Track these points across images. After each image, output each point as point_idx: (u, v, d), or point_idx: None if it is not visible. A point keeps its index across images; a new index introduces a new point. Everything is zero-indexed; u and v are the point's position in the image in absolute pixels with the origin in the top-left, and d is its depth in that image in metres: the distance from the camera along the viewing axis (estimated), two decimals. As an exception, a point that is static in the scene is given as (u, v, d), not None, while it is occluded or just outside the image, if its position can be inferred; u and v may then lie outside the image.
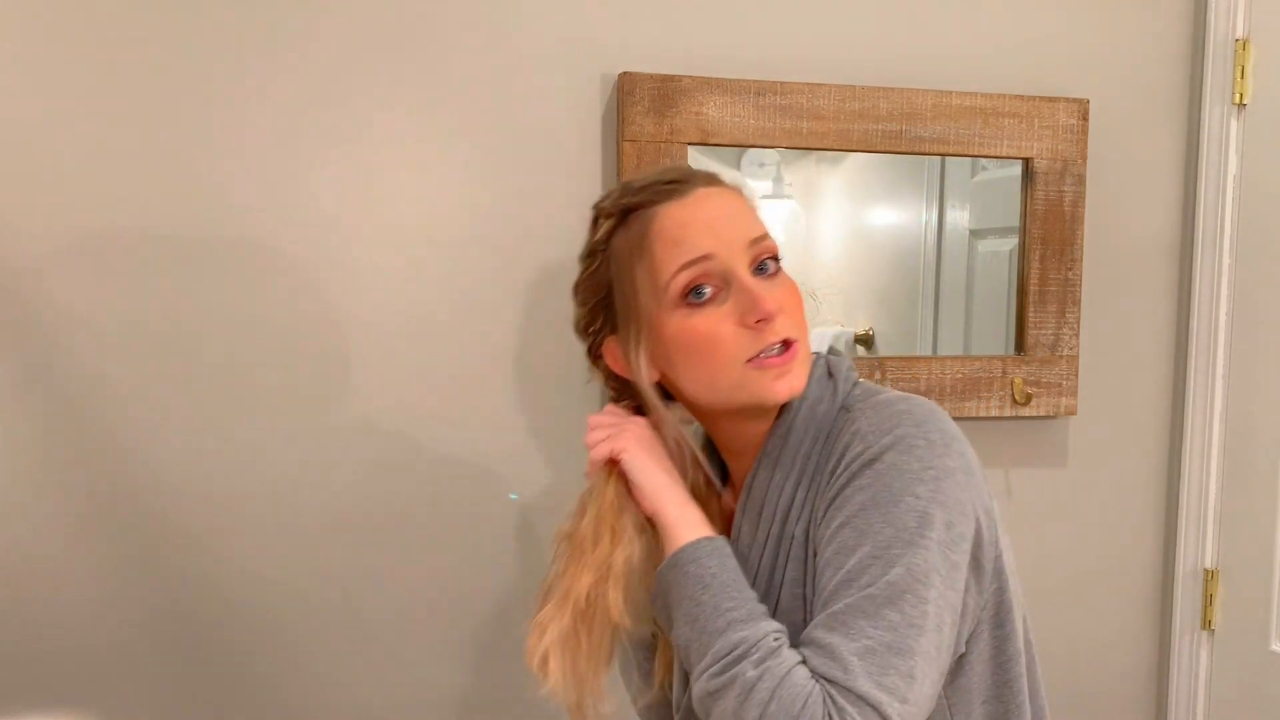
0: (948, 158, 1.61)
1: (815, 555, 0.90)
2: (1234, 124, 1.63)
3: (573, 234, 1.44)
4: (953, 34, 1.57)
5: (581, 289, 1.03)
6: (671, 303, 0.94)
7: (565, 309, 1.44)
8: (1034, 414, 1.61)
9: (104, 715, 1.34)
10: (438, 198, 1.41)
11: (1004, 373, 1.59)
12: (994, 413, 1.59)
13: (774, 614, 0.93)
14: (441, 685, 1.46)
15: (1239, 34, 1.62)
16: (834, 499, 0.89)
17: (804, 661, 0.83)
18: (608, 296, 1.00)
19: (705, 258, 0.93)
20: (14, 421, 1.29)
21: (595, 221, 1.02)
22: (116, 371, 1.31)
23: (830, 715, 0.79)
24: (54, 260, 1.29)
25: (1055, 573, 1.69)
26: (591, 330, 1.03)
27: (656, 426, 1.01)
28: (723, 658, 0.85)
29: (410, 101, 1.38)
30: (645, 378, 0.97)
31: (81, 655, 1.34)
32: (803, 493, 0.94)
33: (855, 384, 0.99)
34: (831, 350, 1.03)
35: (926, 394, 1.54)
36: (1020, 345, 1.62)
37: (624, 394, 1.04)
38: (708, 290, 0.93)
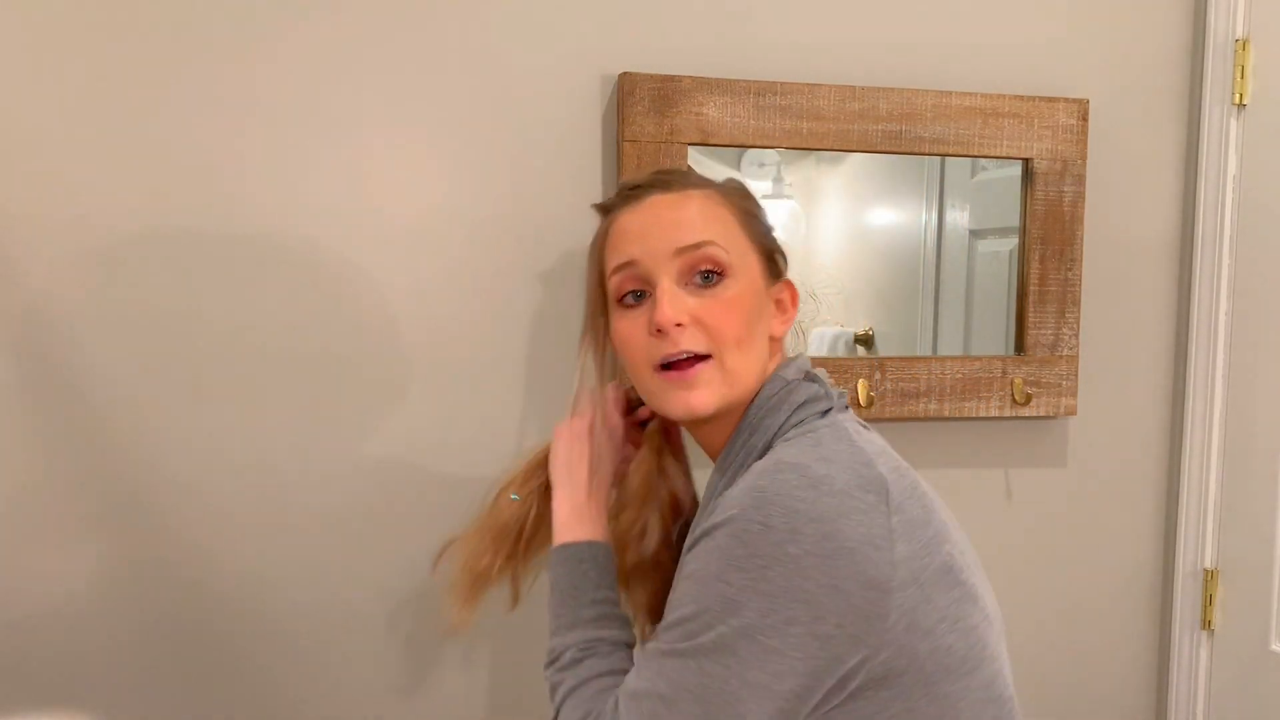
0: (947, 158, 1.60)
1: None
2: (1234, 124, 1.63)
3: (573, 234, 1.44)
4: (953, 34, 1.57)
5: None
6: (613, 304, 1.01)
7: (565, 308, 1.45)
8: (1034, 414, 1.61)
9: (104, 715, 1.34)
10: (437, 197, 1.41)
11: (1004, 373, 1.59)
12: (994, 413, 1.59)
13: None
14: (442, 685, 1.46)
15: (1239, 34, 1.62)
16: (689, 549, 0.91)
17: (613, 672, 0.95)
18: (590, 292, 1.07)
19: (629, 264, 0.98)
20: (13, 421, 1.29)
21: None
22: (115, 370, 1.31)
23: None
24: (51, 258, 1.29)
25: (1055, 573, 1.69)
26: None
27: (593, 420, 1.09)
28: (548, 657, 1.01)
29: (410, 101, 1.38)
30: (599, 364, 1.06)
31: (81, 655, 1.34)
32: (704, 517, 0.97)
33: (803, 421, 0.96)
34: (810, 375, 1.01)
35: (926, 394, 1.54)
36: (1020, 345, 1.62)
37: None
38: (642, 294, 0.99)
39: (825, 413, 0.97)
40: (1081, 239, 1.61)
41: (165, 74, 1.31)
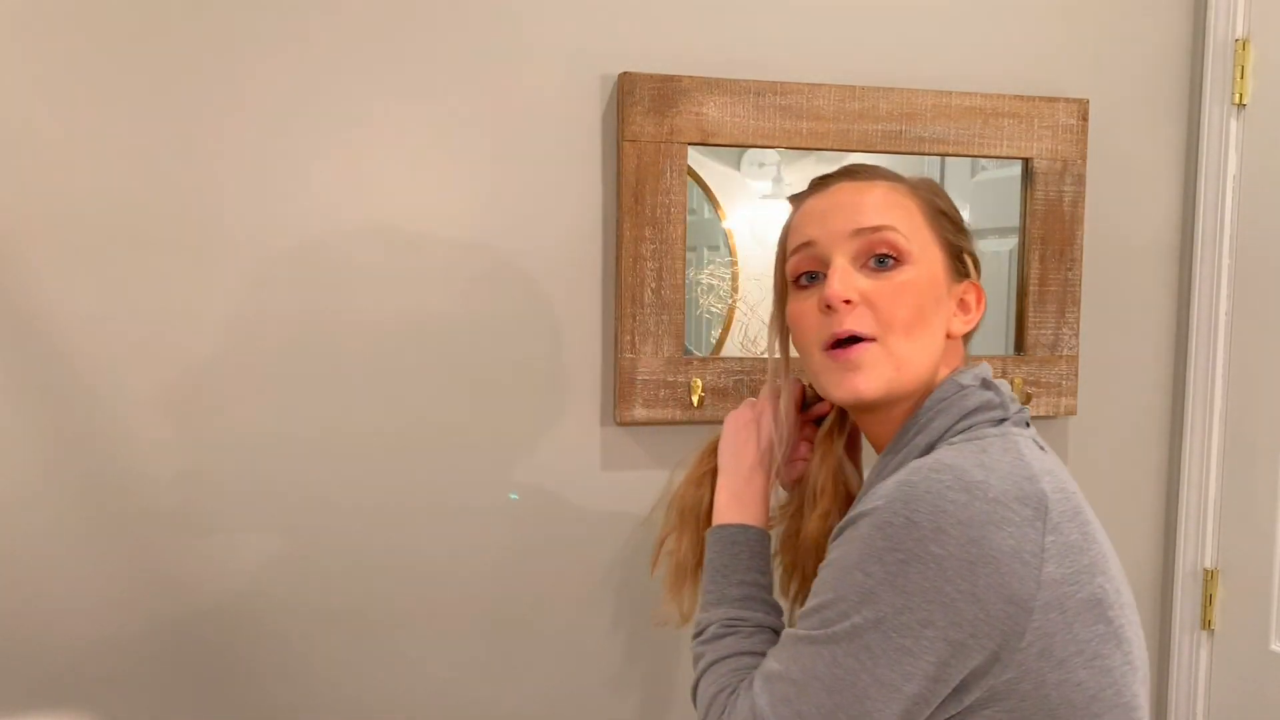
0: (948, 158, 1.60)
1: None
2: (1234, 124, 1.63)
3: (572, 233, 1.44)
4: (953, 34, 1.57)
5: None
6: (790, 287, 1.02)
7: (564, 308, 1.45)
8: (1034, 414, 1.61)
9: (104, 715, 1.34)
10: (437, 197, 1.41)
11: (1004, 373, 1.59)
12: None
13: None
14: (443, 684, 1.46)
15: (1239, 34, 1.62)
16: (834, 538, 0.91)
17: (753, 653, 0.97)
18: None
19: (807, 244, 0.99)
20: (12, 421, 1.29)
21: None
22: (114, 369, 1.31)
23: (730, 707, 0.91)
24: (50, 258, 1.29)
25: (1055, 573, 1.69)
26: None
27: (763, 410, 1.11)
28: (694, 630, 1.04)
29: (410, 101, 1.38)
30: (775, 349, 1.08)
31: (81, 655, 1.33)
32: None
33: (972, 427, 0.94)
34: (987, 382, 0.98)
35: (927, 394, 1.54)
36: (1020, 345, 1.62)
37: None
38: (818, 275, 0.99)
39: (999, 422, 0.94)
40: (1081, 239, 1.61)
41: (165, 74, 1.30)
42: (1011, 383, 1.59)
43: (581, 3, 1.43)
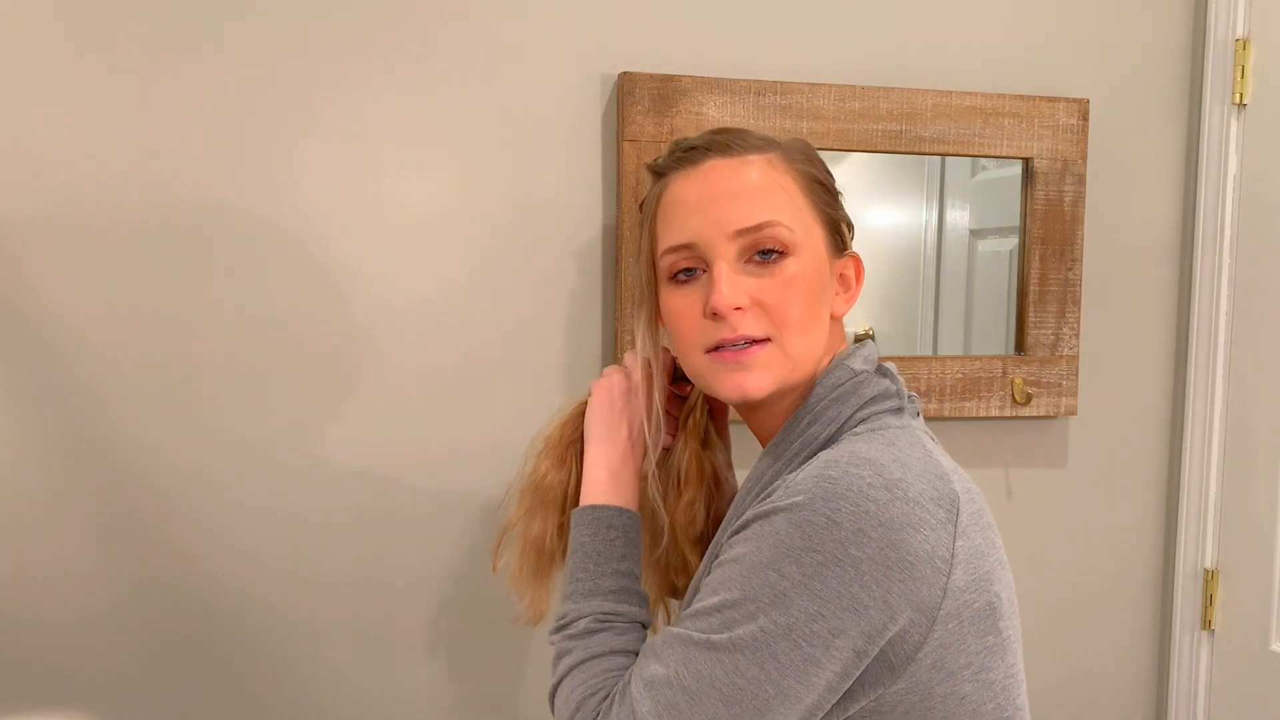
0: (948, 158, 1.60)
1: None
2: (1234, 124, 1.63)
3: (572, 233, 1.44)
4: (953, 34, 1.57)
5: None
6: (663, 278, 0.95)
7: (564, 307, 1.45)
8: (1034, 414, 1.61)
9: (104, 715, 1.34)
10: (437, 197, 1.41)
11: (1004, 373, 1.59)
12: (994, 413, 1.59)
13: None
14: (441, 681, 1.46)
15: (1239, 34, 1.62)
16: (734, 534, 0.84)
17: (626, 651, 0.91)
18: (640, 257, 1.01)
19: (685, 246, 0.92)
20: (11, 421, 1.29)
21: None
22: (114, 369, 1.31)
23: (599, 710, 0.85)
24: (50, 258, 1.29)
25: (1055, 573, 1.69)
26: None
27: (635, 388, 1.02)
28: (556, 620, 0.96)
29: (409, 100, 1.38)
30: (639, 338, 1.00)
31: (81, 655, 1.34)
32: (751, 499, 0.90)
33: (872, 416, 0.90)
34: (881, 368, 0.94)
35: (926, 394, 1.54)
36: (1020, 345, 1.62)
37: None
38: (696, 271, 0.92)
39: (897, 411, 0.91)
40: (1081, 239, 1.61)
41: (166, 74, 1.30)
42: (1011, 383, 1.59)
43: (582, 3, 1.43)
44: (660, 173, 0.97)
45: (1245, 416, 1.65)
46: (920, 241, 1.68)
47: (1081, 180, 1.60)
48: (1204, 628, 1.70)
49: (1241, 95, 1.62)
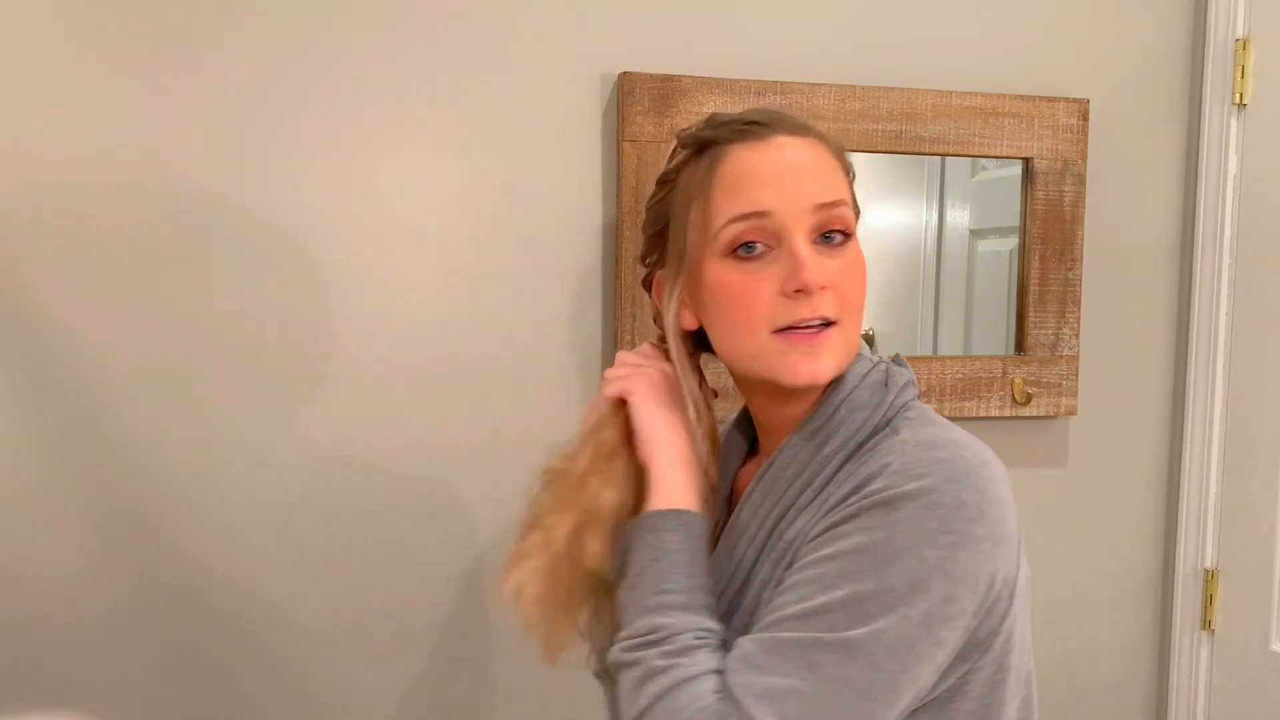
0: (948, 158, 1.61)
1: (789, 567, 0.84)
2: (1234, 124, 1.63)
3: (572, 233, 1.44)
4: (953, 34, 1.57)
5: (647, 217, 0.97)
6: (718, 250, 0.87)
7: (564, 307, 1.45)
8: (1034, 414, 1.61)
9: (104, 715, 1.34)
10: (436, 197, 1.41)
11: (1004, 373, 1.59)
12: (994, 413, 1.59)
13: (739, 606, 0.88)
14: (442, 679, 1.46)
15: (1239, 34, 1.62)
16: (834, 526, 0.81)
17: (719, 671, 0.79)
18: (665, 230, 0.93)
19: (760, 214, 0.86)
20: (10, 420, 1.29)
21: (674, 150, 0.94)
22: (114, 368, 1.31)
23: None
24: (48, 258, 1.29)
25: (1055, 573, 1.69)
26: (648, 261, 0.98)
27: (677, 377, 0.94)
28: (639, 635, 0.83)
29: (409, 100, 1.38)
30: (673, 320, 0.92)
31: (80, 655, 1.34)
32: (809, 496, 0.87)
33: (909, 403, 0.90)
34: (896, 358, 0.95)
35: (926, 394, 1.54)
36: (1020, 345, 1.62)
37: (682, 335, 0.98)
38: (759, 247, 0.86)
39: (918, 397, 0.92)
40: (1081, 239, 1.61)
41: (166, 74, 1.30)
42: (1011, 383, 1.60)
43: (582, 3, 1.43)
44: (708, 142, 0.91)
45: (1245, 416, 1.65)
46: (920, 241, 1.68)
47: (1081, 180, 1.60)
48: (1204, 628, 1.70)
49: (1241, 95, 1.62)
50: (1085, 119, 1.59)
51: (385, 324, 1.39)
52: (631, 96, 1.41)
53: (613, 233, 1.45)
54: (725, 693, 0.77)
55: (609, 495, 0.92)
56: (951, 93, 1.53)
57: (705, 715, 0.76)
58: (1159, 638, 1.76)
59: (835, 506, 0.83)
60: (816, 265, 0.85)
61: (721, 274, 0.88)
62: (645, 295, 1.03)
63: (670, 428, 0.92)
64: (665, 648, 0.81)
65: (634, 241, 1.42)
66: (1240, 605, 1.67)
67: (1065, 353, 1.62)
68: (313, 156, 1.36)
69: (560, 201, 1.43)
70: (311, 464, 1.38)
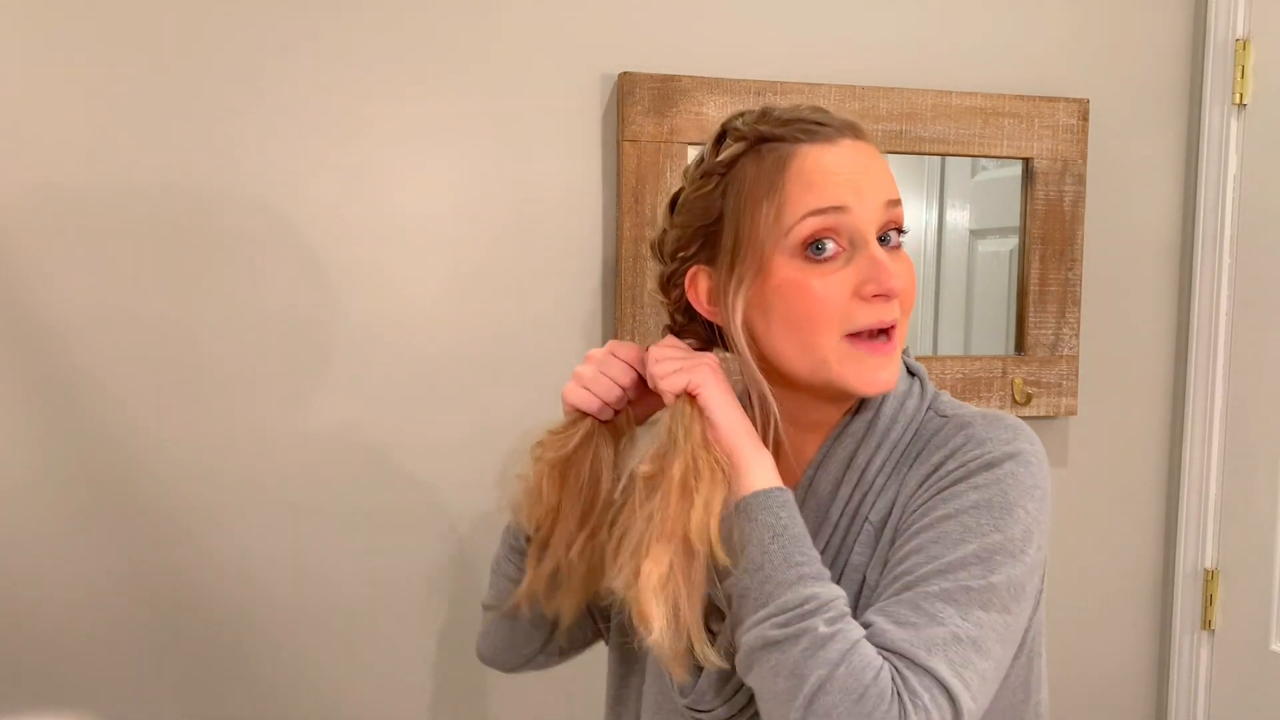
0: (948, 158, 1.61)
1: (892, 543, 0.87)
2: (1234, 124, 1.63)
3: (572, 233, 1.44)
4: (953, 34, 1.57)
5: (687, 209, 0.93)
6: (790, 249, 0.86)
7: (564, 306, 1.45)
8: (1034, 414, 1.61)
9: (104, 715, 1.34)
10: (436, 197, 1.41)
11: (1004, 373, 1.59)
12: (994, 413, 1.59)
13: None
14: (440, 686, 1.46)
15: (1239, 34, 1.62)
16: (942, 491, 0.85)
17: (868, 637, 0.80)
18: (715, 224, 0.91)
19: (839, 209, 0.86)
20: (10, 420, 1.29)
21: (719, 140, 0.92)
22: (113, 367, 1.31)
23: (900, 694, 0.76)
24: (49, 255, 1.29)
25: (1055, 572, 1.68)
26: (681, 254, 0.94)
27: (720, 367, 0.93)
28: (791, 609, 0.80)
29: (409, 100, 1.38)
30: (738, 319, 0.89)
31: (80, 654, 1.34)
32: (883, 480, 0.90)
33: (939, 393, 0.97)
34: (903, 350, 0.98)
35: (926, 394, 1.54)
36: (1020, 345, 1.62)
37: (687, 331, 0.97)
38: (830, 246, 0.86)
39: None
40: (1081, 239, 1.61)
41: (166, 74, 1.30)
42: (1011, 383, 1.60)
43: (582, 3, 1.43)
44: (771, 139, 0.89)
45: (1245, 416, 1.65)
46: (920, 241, 1.68)
47: (1081, 180, 1.60)
48: (1204, 628, 1.70)
49: (1241, 95, 1.62)
50: (1085, 119, 1.59)
51: (386, 323, 1.39)
52: (631, 96, 1.41)
53: (613, 232, 1.45)
54: (891, 653, 0.78)
55: (719, 491, 0.89)
56: (951, 93, 1.53)
57: (887, 676, 0.77)
58: (1159, 638, 1.76)
59: (927, 479, 0.87)
60: (893, 268, 0.87)
61: (793, 274, 0.87)
62: (658, 292, 0.99)
63: (742, 415, 0.91)
64: (826, 614, 0.80)
65: (634, 241, 1.42)
66: (1240, 605, 1.67)
67: (1065, 353, 1.62)
68: (313, 156, 1.36)
69: (560, 201, 1.43)
70: (312, 462, 1.38)
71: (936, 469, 0.87)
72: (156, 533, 1.34)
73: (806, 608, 0.80)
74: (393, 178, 1.39)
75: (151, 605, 1.35)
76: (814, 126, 0.89)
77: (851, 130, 0.91)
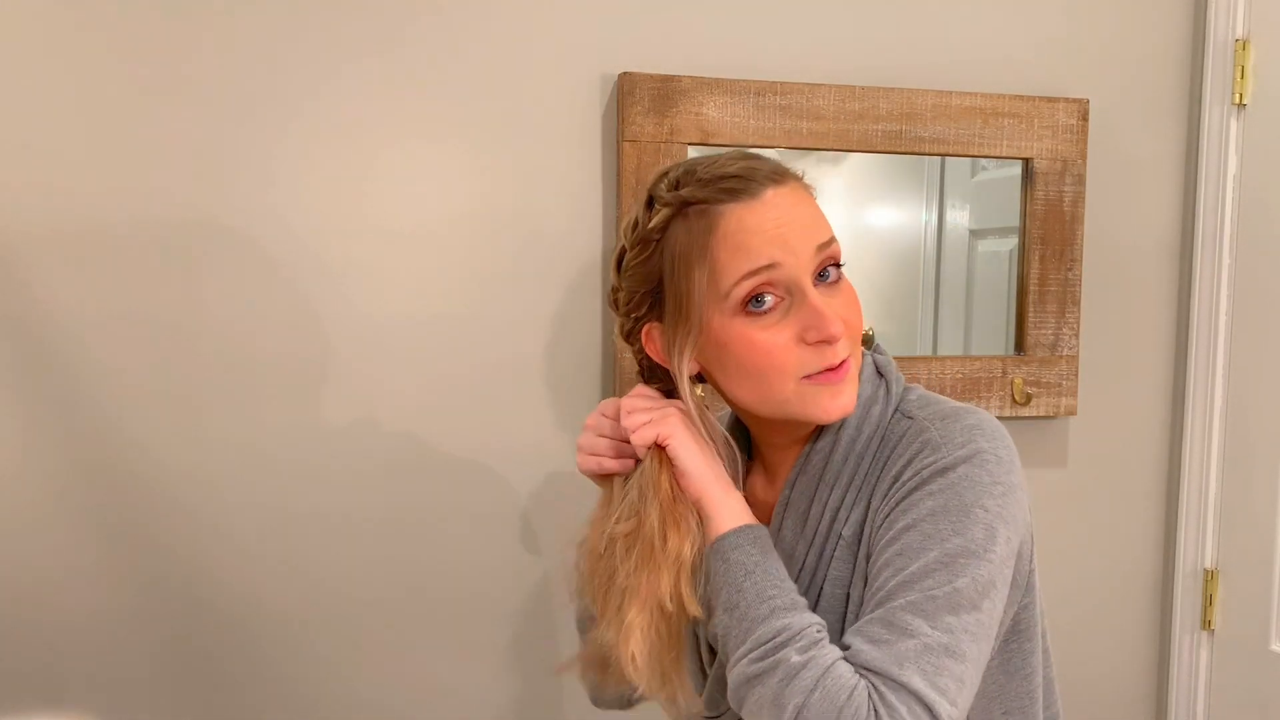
0: (948, 158, 1.61)
1: (868, 557, 0.89)
2: (1234, 124, 1.63)
3: (573, 233, 1.44)
4: (953, 34, 1.57)
5: (630, 274, 0.97)
6: (730, 309, 0.90)
7: (564, 307, 1.45)
8: (1034, 414, 1.61)
9: (104, 715, 1.34)
10: (437, 197, 1.41)
11: (1004, 373, 1.59)
12: (994, 413, 1.58)
13: (814, 611, 0.91)
14: (441, 683, 1.46)
15: (1239, 34, 1.62)
16: (900, 502, 0.88)
17: (846, 659, 0.82)
18: (657, 287, 0.95)
19: (770, 267, 0.89)
20: (11, 420, 1.29)
21: (649, 205, 0.95)
22: (114, 370, 1.31)
23: (877, 710, 0.78)
24: (49, 258, 1.29)
25: (1055, 573, 1.69)
26: (634, 315, 0.98)
27: (690, 413, 0.96)
28: (765, 643, 0.84)
29: (410, 101, 1.38)
30: (686, 373, 0.94)
31: (79, 654, 1.34)
32: (853, 494, 0.93)
33: (906, 388, 0.98)
34: (876, 347, 1.00)
35: (926, 394, 1.54)
36: (1020, 345, 1.62)
37: (654, 376, 1.01)
38: (769, 299, 0.89)
39: None
40: (1081, 239, 1.61)
41: (166, 75, 1.30)
42: (1011, 383, 1.60)
43: (582, 3, 1.43)
44: (694, 202, 0.92)
45: (1245, 416, 1.65)
46: (920, 241, 1.68)
47: (1081, 180, 1.60)
48: (1204, 628, 1.70)
49: (1241, 95, 1.62)
50: (1085, 119, 1.59)
51: (385, 325, 1.39)
52: (631, 97, 1.41)
53: (613, 233, 1.45)
54: (868, 671, 0.81)
55: (689, 544, 0.93)
56: (951, 93, 1.53)
57: (863, 695, 0.79)
58: (1159, 638, 1.76)
59: (889, 491, 0.90)
60: (834, 311, 0.89)
61: (738, 331, 0.90)
62: (621, 340, 1.03)
63: (711, 459, 0.95)
64: (798, 644, 0.83)
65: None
66: (1240, 605, 1.67)
67: (1065, 353, 1.62)
68: (312, 158, 1.36)
69: (560, 201, 1.43)
70: (311, 465, 1.38)
71: (896, 480, 0.90)
72: (155, 536, 1.35)
73: (779, 639, 0.84)
74: (393, 178, 1.39)
75: (151, 608, 1.35)
76: (735, 184, 0.91)
77: (774, 178, 0.93)
